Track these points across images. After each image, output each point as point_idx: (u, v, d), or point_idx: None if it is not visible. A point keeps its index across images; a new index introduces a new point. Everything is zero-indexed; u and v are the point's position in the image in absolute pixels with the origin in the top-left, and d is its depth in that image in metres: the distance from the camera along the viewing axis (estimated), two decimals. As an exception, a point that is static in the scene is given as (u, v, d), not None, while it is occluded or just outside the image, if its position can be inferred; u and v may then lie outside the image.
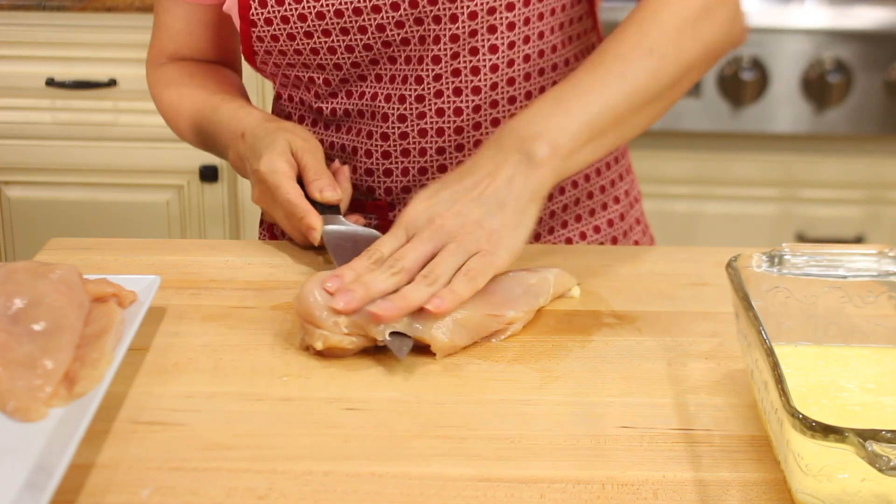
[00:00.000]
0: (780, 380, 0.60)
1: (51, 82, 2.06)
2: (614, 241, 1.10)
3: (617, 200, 1.11)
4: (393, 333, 0.77)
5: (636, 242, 1.13)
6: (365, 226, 0.94)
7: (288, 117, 1.07)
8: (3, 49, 2.07)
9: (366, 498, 0.62)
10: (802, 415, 0.56)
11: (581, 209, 1.08)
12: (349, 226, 0.92)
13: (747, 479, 0.64)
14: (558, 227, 1.07)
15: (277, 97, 1.09)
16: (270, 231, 1.14)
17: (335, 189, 0.92)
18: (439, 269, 0.79)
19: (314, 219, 0.90)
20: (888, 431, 0.54)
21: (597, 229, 1.09)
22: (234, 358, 0.77)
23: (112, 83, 2.06)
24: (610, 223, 1.10)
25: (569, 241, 1.07)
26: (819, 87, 2.01)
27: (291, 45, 0.97)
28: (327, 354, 0.77)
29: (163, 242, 0.98)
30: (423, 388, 0.74)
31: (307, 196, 0.92)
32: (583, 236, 1.08)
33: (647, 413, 0.71)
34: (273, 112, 1.10)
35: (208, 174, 2.11)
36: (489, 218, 0.81)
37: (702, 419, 0.71)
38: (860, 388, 0.70)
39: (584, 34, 1.04)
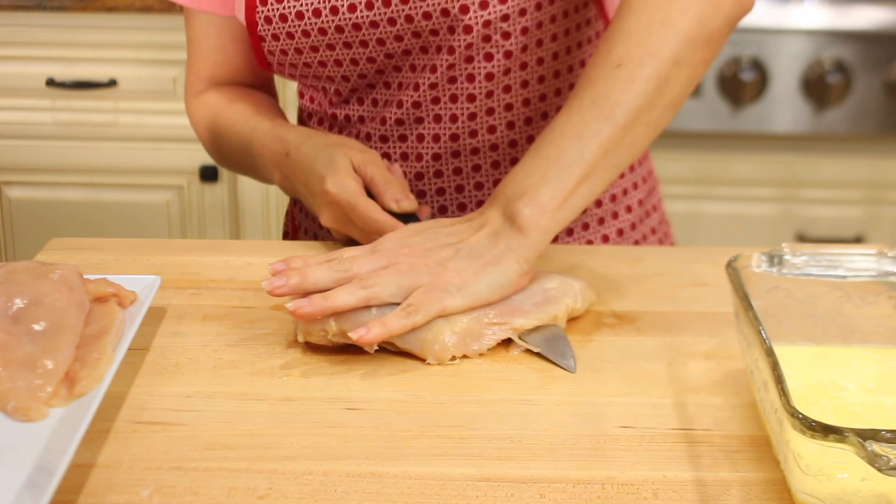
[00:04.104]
0: (779, 380, 0.60)
1: (51, 82, 2.06)
2: None
3: (629, 209, 1.09)
4: (546, 340, 0.78)
5: None
6: (431, 216, 0.93)
7: (310, 116, 1.08)
8: (4, 49, 2.07)
9: (366, 498, 0.62)
10: (802, 415, 0.56)
11: (589, 217, 1.07)
12: None
13: (747, 479, 0.64)
14: (563, 234, 1.07)
15: (300, 95, 1.09)
16: (293, 223, 1.14)
17: (409, 197, 0.91)
18: (378, 279, 0.77)
19: None
20: (888, 431, 0.54)
21: (605, 238, 1.08)
22: (234, 358, 0.77)
23: (112, 83, 2.06)
24: (620, 233, 1.09)
25: None
26: (819, 88, 2.01)
27: (300, 59, 0.97)
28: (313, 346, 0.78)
29: (163, 242, 0.98)
30: (423, 388, 0.74)
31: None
32: (590, 244, 1.07)
33: (647, 413, 0.71)
34: (298, 110, 1.11)
35: (208, 174, 2.11)
36: (456, 261, 0.79)
37: (702, 419, 0.71)
38: (860, 388, 0.70)
39: (595, 38, 1.03)
